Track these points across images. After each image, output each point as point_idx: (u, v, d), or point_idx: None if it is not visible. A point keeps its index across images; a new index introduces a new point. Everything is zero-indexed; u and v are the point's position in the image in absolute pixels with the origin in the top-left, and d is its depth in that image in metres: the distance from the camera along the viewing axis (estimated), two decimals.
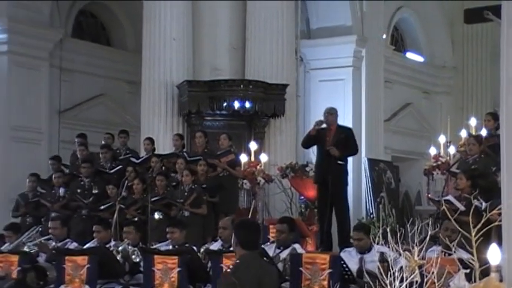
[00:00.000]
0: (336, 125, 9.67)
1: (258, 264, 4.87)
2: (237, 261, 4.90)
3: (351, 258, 7.01)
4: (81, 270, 7.10)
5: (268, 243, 7.89)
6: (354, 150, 9.88)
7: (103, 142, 11.57)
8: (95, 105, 15.07)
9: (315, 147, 9.92)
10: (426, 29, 17.18)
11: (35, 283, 7.34)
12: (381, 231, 8.33)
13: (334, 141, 9.40)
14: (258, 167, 10.56)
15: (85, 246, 8.14)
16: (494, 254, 2.72)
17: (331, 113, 9.68)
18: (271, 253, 7.18)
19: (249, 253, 4.83)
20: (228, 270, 4.86)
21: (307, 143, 9.93)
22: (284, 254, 7.17)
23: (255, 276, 4.73)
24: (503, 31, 4.03)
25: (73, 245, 8.30)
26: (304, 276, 6.46)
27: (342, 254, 7.23)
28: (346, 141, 9.54)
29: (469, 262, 2.91)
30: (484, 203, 7.86)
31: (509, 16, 3.98)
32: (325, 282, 6.36)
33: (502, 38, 4.06)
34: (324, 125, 9.55)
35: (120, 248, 7.65)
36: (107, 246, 7.89)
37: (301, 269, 6.49)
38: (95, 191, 10.61)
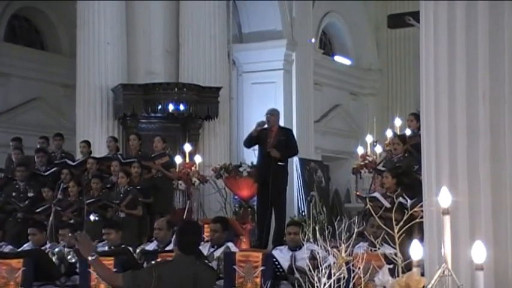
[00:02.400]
0: (277, 126, 9.63)
1: (190, 270, 4.68)
2: (171, 259, 4.83)
3: (282, 256, 7.09)
4: (16, 273, 6.96)
5: (203, 242, 7.85)
6: (294, 151, 9.85)
7: (38, 146, 11.38)
8: (30, 109, 14.87)
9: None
10: (353, 34, 17.39)
11: None
12: (311, 229, 8.63)
13: (275, 143, 9.36)
14: (192, 168, 10.60)
15: (20, 249, 8.03)
16: (416, 250, 2.76)
17: (273, 114, 9.63)
18: (205, 252, 7.19)
19: (184, 256, 4.71)
20: (154, 262, 4.75)
21: (249, 143, 9.85)
22: (218, 252, 7.23)
23: (184, 280, 4.59)
24: (422, 37, 4.08)
25: (8, 248, 8.15)
26: (238, 274, 6.47)
27: (274, 252, 7.33)
28: (287, 142, 9.51)
29: (393, 257, 2.93)
30: (409, 200, 8.01)
31: (427, 22, 4.08)
32: (258, 280, 6.39)
33: (421, 44, 4.10)
34: (266, 126, 9.51)
35: (55, 250, 7.61)
36: (43, 248, 7.82)
37: (234, 267, 6.51)
38: (30, 194, 10.46)
